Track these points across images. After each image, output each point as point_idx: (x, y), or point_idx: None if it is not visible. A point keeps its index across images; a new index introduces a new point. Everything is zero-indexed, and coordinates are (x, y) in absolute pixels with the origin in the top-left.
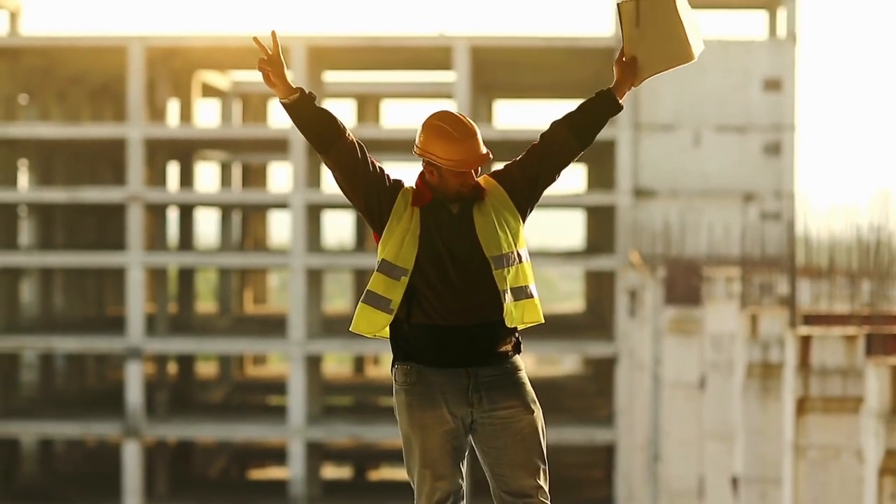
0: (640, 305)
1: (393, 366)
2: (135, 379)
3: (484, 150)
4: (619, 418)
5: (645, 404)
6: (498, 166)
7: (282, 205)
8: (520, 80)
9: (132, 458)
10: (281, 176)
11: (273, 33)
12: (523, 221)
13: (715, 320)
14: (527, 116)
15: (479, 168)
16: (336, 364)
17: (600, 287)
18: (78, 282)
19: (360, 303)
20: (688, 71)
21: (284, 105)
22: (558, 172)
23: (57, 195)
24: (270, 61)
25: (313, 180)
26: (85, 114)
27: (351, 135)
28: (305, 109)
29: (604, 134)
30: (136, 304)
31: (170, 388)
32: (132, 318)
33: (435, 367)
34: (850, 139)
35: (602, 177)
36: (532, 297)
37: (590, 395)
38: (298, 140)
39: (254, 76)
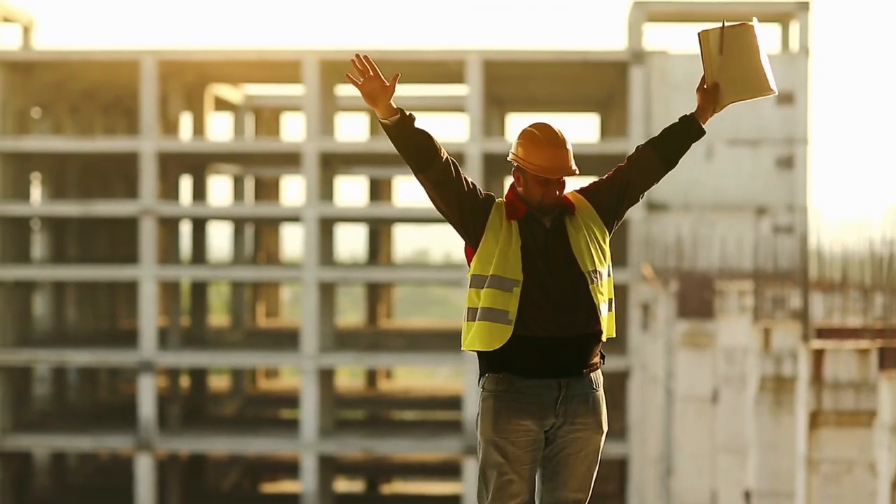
0: (652, 319)
1: (483, 375)
2: (147, 392)
3: (573, 165)
4: (632, 432)
5: (658, 418)
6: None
7: (294, 218)
8: (532, 94)
9: (145, 472)
10: (293, 189)
11: (367, 57)
12: (609, 238)
13: (728, 334)
14: None
15: (565, 183)
16: (348, 377)
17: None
18: (91, 295)
19: (476, 321)
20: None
21: (384, 125)
22: (642, 193)
23: (70, 209)
24: (372, 81)
25: (326, 194)
26: (98, 127)
27: (445, 153)
28: (405, 130)
29: (617, 147)
30: (149, 317)
31: (182, 402)
32: (145, 332)
33: (529, 378)
34: (863, 153)
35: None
36: (613, 310)
37: None
38: (311, 153)
39: (266, 90)
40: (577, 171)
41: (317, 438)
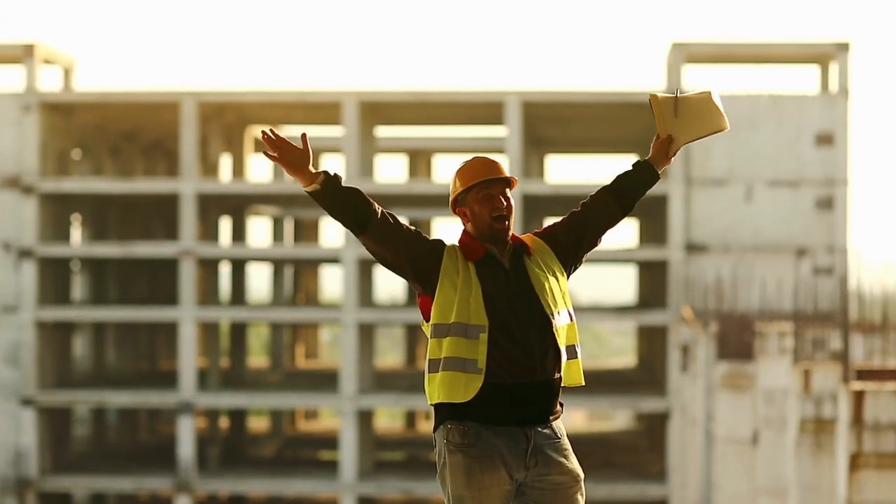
0: (692, 360)
1: (442, 425)
2: (187, 433)
3: (507, 172)
4: (672, 474)
5: (697, 460)
6: (547, 222)
7: (333, 259)
8: (572, 135)
9: None
10: (332, 231)
11: (272, 130)
12: (567, 280)
13: (767, 375)
14: (579, 171)
15: (510, 201)
16: (387, 419)
17: (652, 342)
18: (130, 336)
19: (439, 372)
20: (740, 126)
21: (314, 192)
22: (600, 236)
23: (110, 250)
24: (288, 150)
25: None
26: (138, 169)
27: (378, 207)
28: (336, 191)
29: (656, 189)
30: (188, 358)
31: (221, 443)
32: (184, 373)
33: (494, 427)
34: None
35: (654, 231)
36: (578, 357)
37: (642, 450)
38: None
39: (305, 131)
40: (516, 180)
41: (356, 480)
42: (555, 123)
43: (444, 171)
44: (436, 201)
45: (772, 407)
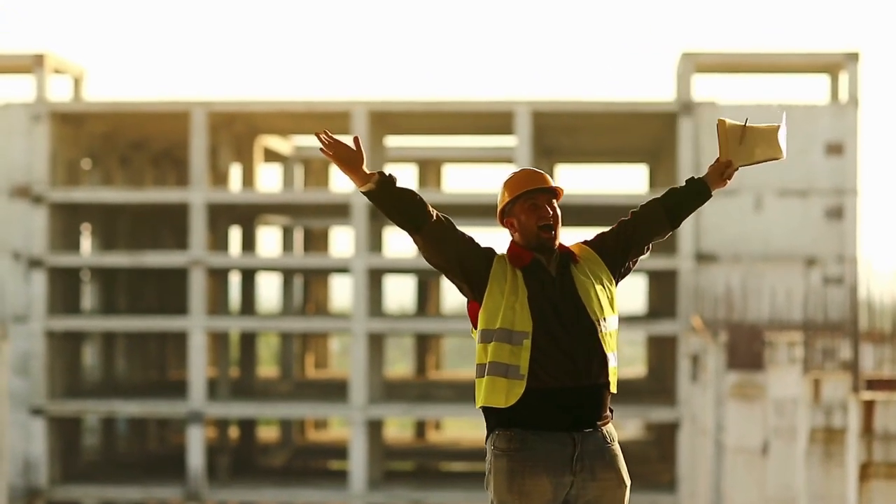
0: (702, 370)
1: (492, 432)
2: (196, 443)
3: (553, 182)
4: (682, 484)
5: (707, 470)
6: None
7: (343, 269)
8: (581, 145)
9: None
10: (342, 240)
11: (326, 131)
12: (616, 288)
13: (777, 385)
14: (589, 181)
15: (557, 212)
16: (397, 429)
17: (662, 352)
18: (140, 346)
19: (485, 377)
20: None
21: (369, 192)
22: (647, 245)
23: (120, 259)
24: (343, 149)
25: (375, 245)
26: (148, 178)
27: (435, 210)
28: (390, 191)
29: None
30: (198, 368)
31: (231, 453)
32: (194, 382)
33: (541, 433)
34: None
35: (664, 241)
36: (616, 365)
37: (652, 460)
38: (360, 204)
39: (315, 141)
40: (562, 190)
41: (366, 490)
42: (564, 133)
43: (454, 181)
44: (446, 211)
45: (782, 417)
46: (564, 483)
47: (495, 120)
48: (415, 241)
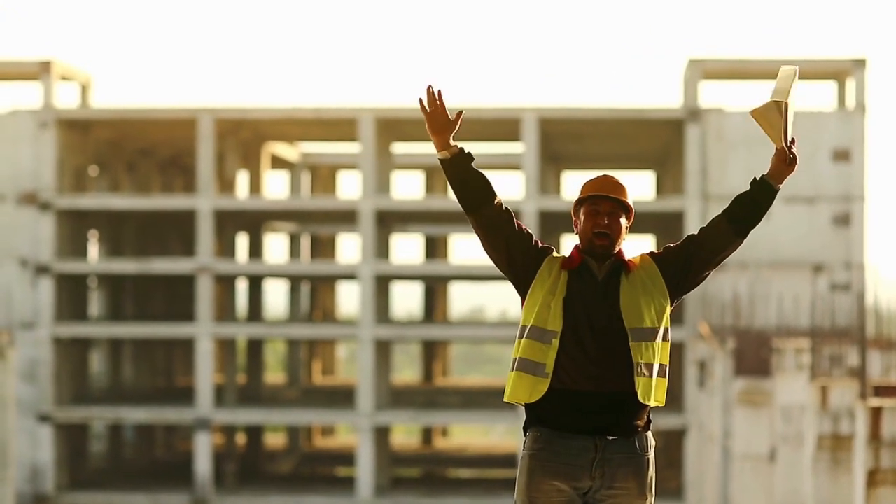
0: (709, 377)
1: (525, 430)
2: (203, 449)
3: (621, 195)
4: (689, 491)
5: (715, 476)
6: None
7: (350, 276)
8: (588, 151)
9: None
10: (349, 247)
11: (440, 92)
12: (671, 303)
13: (785, 392)
14: None
15: (619, 222)
16: (404, 435)
17: (670, 358)
18: (147, 352)
19: (514, 371)
20: (756, 142)
21: (443, 160)
22: (713, 259)
23: (127, 266)
24: (439, 112)
25: (382, 251)
26: (155, 185)
27: (501, 200)
28: (462, 166)
29: (672, 204)
30: (205, 374)
31: (238, 459)
32: (201, 389)
33: (565, 434)
34: None
35: None
36: (663, 376)
37: (659, 467)
38: (367, 211)
39: (322, 147)
40: (630, 205)
41: (373, 496)
42: (571, 140)
43: None
44: (452, 217)
45: (789, 423)
46: (582, 488)
47: (502, 127)
48: (471, 221)
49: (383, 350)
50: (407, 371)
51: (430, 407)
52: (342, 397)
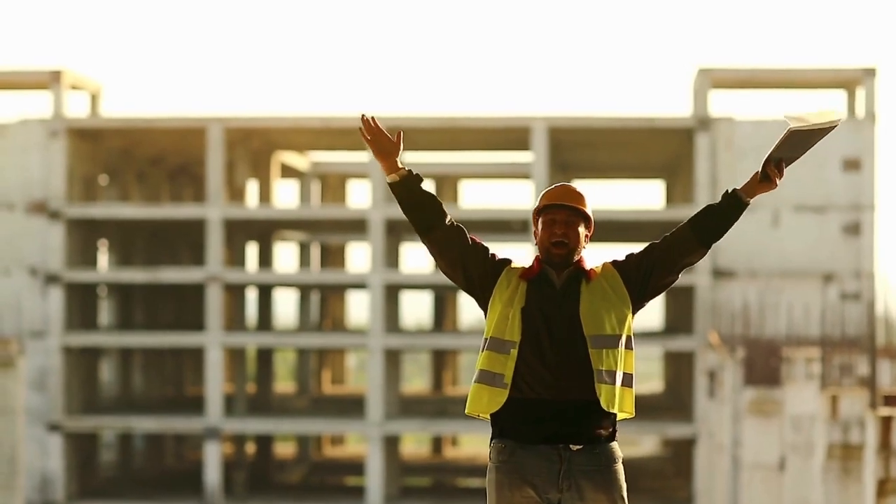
0: (719, 386)
1: (490, 442)
2: (213, 459)
3: (577, 203)
4: (698, 500)
5: (724, 486)
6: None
7: (360, 285)
8: (598, 160)
9: None
10: (359, 256)
11: (373, 118)
12: (633, 311)
13: (794, 401)
14: (605, 196)
15: (576, 230)
16: (414, 444)
17: (679, 368)
18: (157, 362)
19: (473, 384)
20: (765, 151)
21: (392, 184)
22: (675, 267)
23: (136, 275)
24: (381, 137)
25: (391, 260)
26: (164, 194)
27: (452, 218)
28: (412, 189)
29: (682, 213)
30: (215, 383)
31: (248, 468)
32: (211, 398)
33: (528, 445)
34: None
35: None
36: (629, 386)
37: (668, 476)
38: (377, 220)
39: (332, 157)
40: (588, 214)
41: None
42: (581, 149)
43: (471, 197)
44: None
45: (799, 433)
46: (551, 500)
47: (511, 135)
48: (424, 242)
49: (393, 359)
50: (416, 380)
51: (439, 416)
52: (352, 406)
